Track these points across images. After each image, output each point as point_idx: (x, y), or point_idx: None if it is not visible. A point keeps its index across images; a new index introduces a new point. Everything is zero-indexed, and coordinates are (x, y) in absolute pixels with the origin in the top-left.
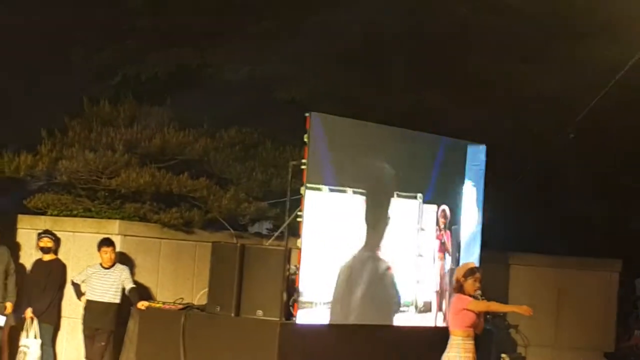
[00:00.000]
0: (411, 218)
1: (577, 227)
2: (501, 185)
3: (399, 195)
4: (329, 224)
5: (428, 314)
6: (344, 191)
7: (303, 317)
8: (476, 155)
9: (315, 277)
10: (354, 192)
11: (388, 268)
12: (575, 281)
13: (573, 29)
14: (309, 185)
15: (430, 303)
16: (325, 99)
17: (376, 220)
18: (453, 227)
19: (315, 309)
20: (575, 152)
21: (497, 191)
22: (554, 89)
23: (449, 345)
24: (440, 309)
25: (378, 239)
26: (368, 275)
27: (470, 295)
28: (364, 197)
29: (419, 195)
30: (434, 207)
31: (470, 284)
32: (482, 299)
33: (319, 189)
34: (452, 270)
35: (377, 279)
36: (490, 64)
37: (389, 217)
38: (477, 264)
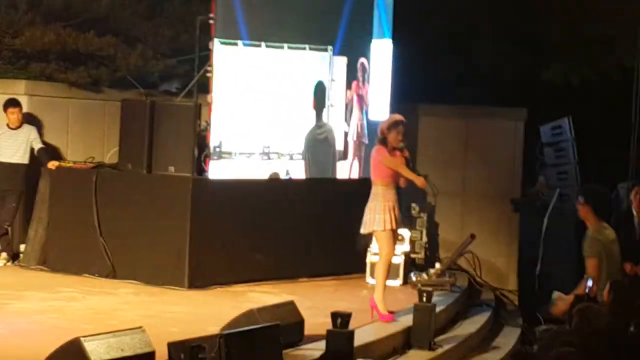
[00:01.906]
0: (322, 70)
1: (486, 77)
2: (412, 35)
3: (310, 49)
4: (241, 78)
5: (343, 161)
6: (258, 45)
7: (220, 168)
8: (383, 23)
9: (230, 129)
10: (267, 46)
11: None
12: (483, 130)
13: None
14: (221, 40)
15: (344, 151)
16: None
17: (291, 73)
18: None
19: (234, 159)
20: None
21: (407, 42)
22: None
23: (371, 195)
24: (357, 157)
25: (295, 91)
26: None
27: (393, 148)
28: (276, 50)
29: (329, 47)
30: (344, 59)
31: (393, 137)
32: (405, 150)
33: (232, 44)
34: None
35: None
36: None
37: (302, 70)
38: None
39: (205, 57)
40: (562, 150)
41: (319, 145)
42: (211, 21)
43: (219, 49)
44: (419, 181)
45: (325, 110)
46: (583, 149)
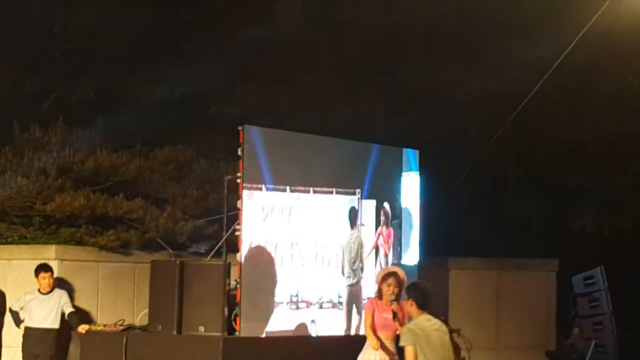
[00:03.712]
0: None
1: (516, 227)
2: (439, 188)
3: (337, 192)
4: (265, 224)
5: None
6: (282, 190)
7: (248, 327)
8: (411, 160)
9: (257, 279)
10: (292, 191)
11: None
12: (515, 282)
13: (500, 29)
14: (246, 185)
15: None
16: (258, 113)
17: (317, 217)
18: (393, 222)
19: (260, 316)
20: (512, 152)
21: (435, 195)
22: (485, 89)
23: (364, 346)
24: None
25: (322, 237)
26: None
27: (389, 301)
28: (302, 195)
29: (357, 190)
30: (373, 202)
31: (385, 289)
32: (393, 303)
33: (256, 189)
34: (395, 265)
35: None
36: (420, 68)
37: (331, 214)
38: (413, 267)
39: (234, 216)
40: (596, 300)
41: (350, 247)
42: (238, 180)
43: (248, 194)
44: (372, 343)
45: (357, 227)
46: (618, 298)
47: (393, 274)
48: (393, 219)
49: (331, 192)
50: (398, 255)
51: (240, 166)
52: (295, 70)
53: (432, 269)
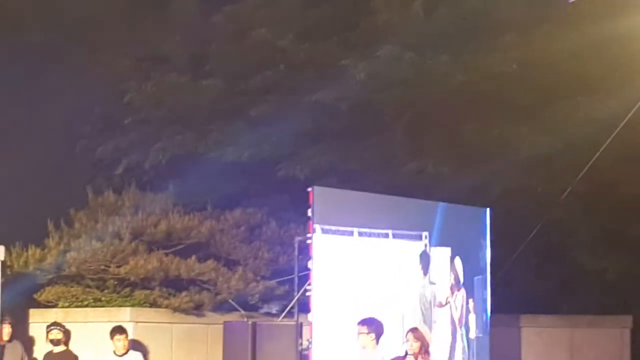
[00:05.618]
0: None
1: (589, 283)
2: (510, 246)
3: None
4: (341, 290)
5: None
6: (350, 233)
7: None
8: (481, 219)
9: (330, 347)
10: (360, 234)
11: None
12: (588, 339)
13: (568, 88)
14: (321, 227)
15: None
16: (327, 173)
17: (392, 273)
18: (476, 278)
19: None
20: (583, 208)
21: (506, 254)
22: (553, 146)
23: None
24: None
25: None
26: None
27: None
28: (379, 244)
29: (425, 234)
30: (446, 249)
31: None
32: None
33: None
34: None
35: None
36: (487, 128)
37: (403, 266)
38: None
39: (305, 276)
40: None
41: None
42: (309, 241)
43: (321, 239)
44: None
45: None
46: None
47: (412, 330)
48: (477, 274)
49: (402, 238)
50: (483, 322)
51: (310, 227)
52: (362, 129)
53: (502, 327)
